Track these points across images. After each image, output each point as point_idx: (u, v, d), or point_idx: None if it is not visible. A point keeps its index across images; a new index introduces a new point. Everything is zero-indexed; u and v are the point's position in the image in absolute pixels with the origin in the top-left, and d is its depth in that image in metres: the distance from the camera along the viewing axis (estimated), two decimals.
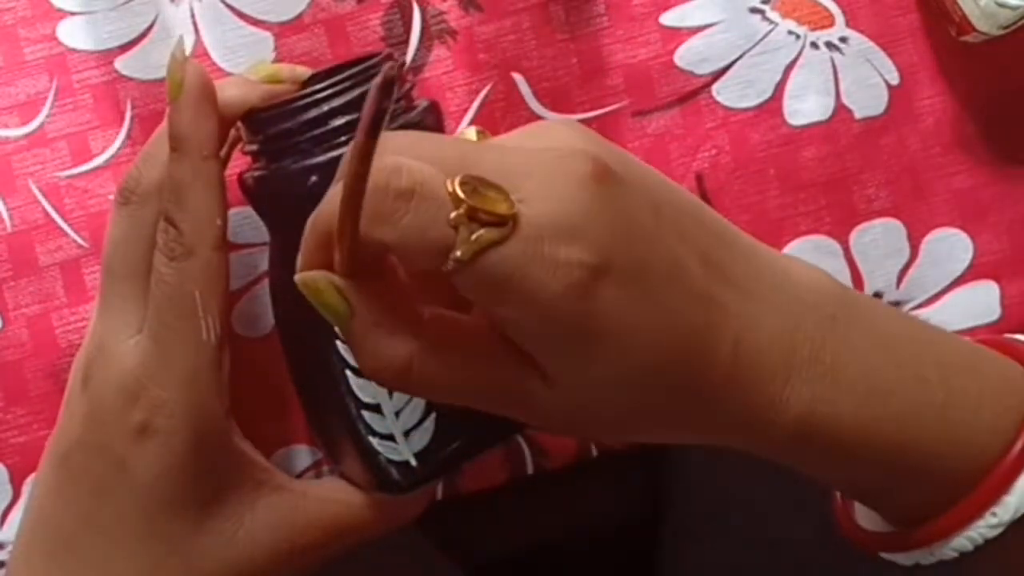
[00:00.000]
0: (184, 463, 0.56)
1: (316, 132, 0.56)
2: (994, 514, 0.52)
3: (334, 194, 0.48)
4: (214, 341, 0.56)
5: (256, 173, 0.58)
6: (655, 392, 0.50)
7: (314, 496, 0.59)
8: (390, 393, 0.57)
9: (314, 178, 0.56)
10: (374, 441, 0.57)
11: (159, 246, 0.56)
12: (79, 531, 0.57)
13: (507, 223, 0.46)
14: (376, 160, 0.46)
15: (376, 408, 0.57)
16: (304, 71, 0.59)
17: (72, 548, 0.57)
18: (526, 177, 0.48)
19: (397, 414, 0.57)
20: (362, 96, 0.55)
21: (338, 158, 0.54)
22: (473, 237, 0.46)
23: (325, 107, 0.56)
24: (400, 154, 0.48)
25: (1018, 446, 0.52)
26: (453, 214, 0.46)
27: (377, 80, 0.45)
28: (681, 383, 0.50)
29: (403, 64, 0.58)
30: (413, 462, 0.57)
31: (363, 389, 0.57)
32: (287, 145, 0.56)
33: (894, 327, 0.54)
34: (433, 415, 0.57)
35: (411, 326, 0.49)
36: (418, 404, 0.57)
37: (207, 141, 0.56)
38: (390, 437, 0.57)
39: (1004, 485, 0.52)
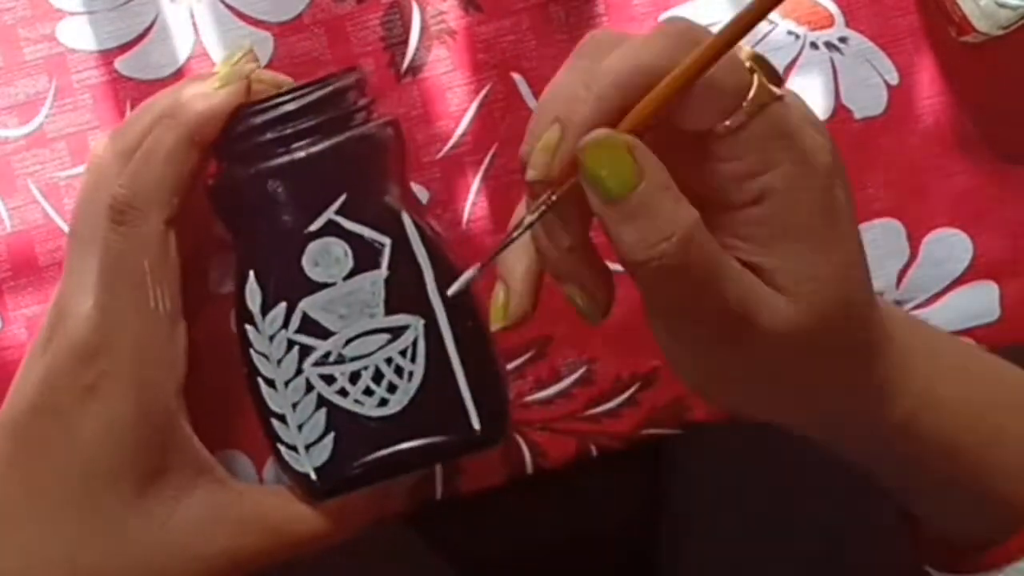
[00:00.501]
0: (126, 431, 0.56)
1: (272, 136, 0.56)
2: None
3: (653, 42, 0.48)
4: (163, 313, 0.56)
5: (217, 176, 0.58)
6: (855, 322, 0.51)
7: (252, 497, 0.59)
8: (293, 405, 0.57)
9: (271, 182, 0.56)
10: (282, 449, 0.58)
11: (109, 205, 0.57)
12: (19, 498, 0.57)
13: (781, 86, 0.49)
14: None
15: (282, 418, 0.58)
16: (285, 80, 0.60)
17: (10, 516, 0.57)
18: None
19: (300, 427, 0.58)
20: (322, 100, 0.56)
21: (295, 162, 0.56)
22: (768, 85, 0.48)
23: (281, 111, 0.56)
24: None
25: None
26: (748, 61, 0.48)
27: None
28: (868, 322, 0.52)
29: (364, 78, 0.59)
30: (313, 476, 0.58)
31: (271, 398, 0.58)
32: (247, 147, 0.57)
33: (979, 359, 0.57)
34: (332, 435, 0.58)
35: (686, 199, 0.49)
36: (318, 421, 0.58)
37: (192, 122, 0.57)
38: (294, 448, 0.58)
39: None
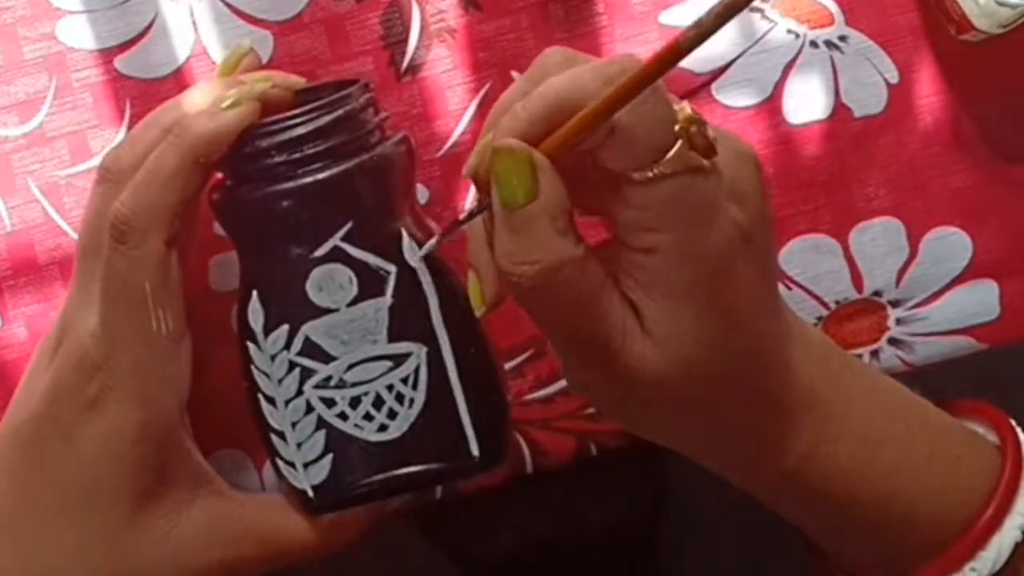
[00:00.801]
0: (127, 447, 0.56)
1: (283, 159, 0.56)
2: (973, 569, 0.55)
3: (582, 74, 0.50)
4: (165, 333, 0.56)
5: (222, 192, 0.58)
6: (722, 381, 0.52)
7: (251, 508, 0.59)
8: (293, 424, 0.58)
9: (284, 203, 0.56)
10: (280, 464, 0.58)
11: (109, 225, 0.56)
12: (17, 508, 0.57)
13: (711, 158, 0.49)
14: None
15: (281, 435, 0.58)
16: (297, 81, 0.59)
17: (8, 524, 0.57)
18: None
19: (299, 445, 0.58)
20: (333, 124, 0.55)
21: (304, 186, 0.55)
22: (688, 155, 0.49)
23: (292, 134, 0.56)
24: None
25: (994, 503, 0.55)
26: (679, 125, 0.49)
27: None
28: (746, 382, 0.53)
29: (374, 95, 0.58)
30: (310, 493, 0.58)
31: (271, 415, 0.58)
32: (256, 168, 0.56)
33: (883, 386, 0.57)
34: (330, 456, 0.58)
35: (575, 235, 0.50)
36: (317, 441, 0.58)
37: (197, 144, 0.56)
38: (292, 464, 0.58)
39: (982, 540, 0.55)
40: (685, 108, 0.50)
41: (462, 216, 0.52)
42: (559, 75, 0.50)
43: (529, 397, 0.64)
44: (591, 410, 0.63)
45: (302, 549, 0.59)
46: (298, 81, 0.59)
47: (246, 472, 0.63)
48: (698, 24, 0.46)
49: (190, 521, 0.58)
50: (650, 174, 0.49)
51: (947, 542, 0.55)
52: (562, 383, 0.63)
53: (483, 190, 0.51)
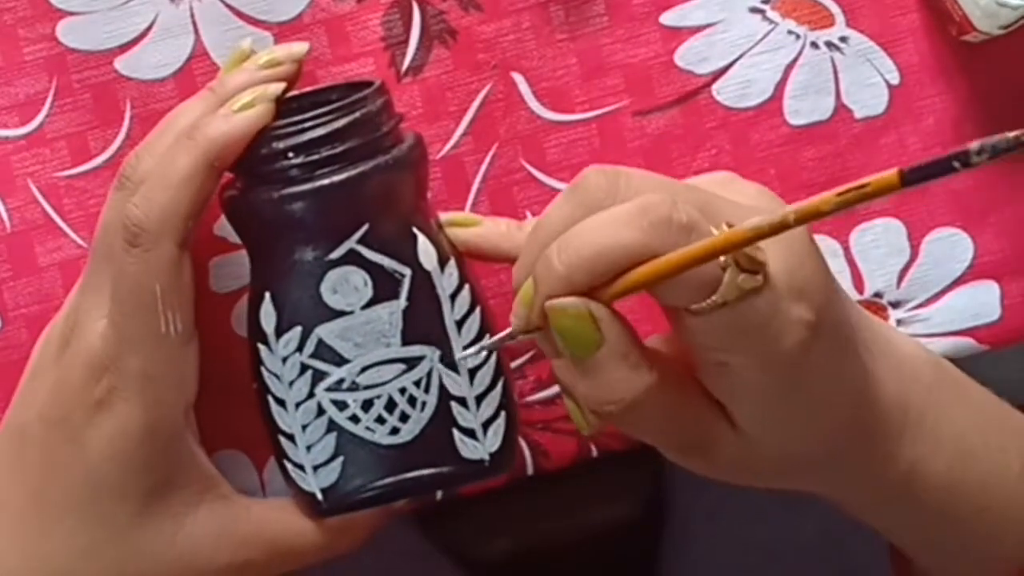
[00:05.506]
0: (133, 448, 0.56)
1: (300, 161, 0.56)
2: None
3: (619, 227, 0.49)
4: (174, 336, 0.56)
5: (235, 193, 0.57)
6: (820, 447, 0.53)
7: (257, 512, 0.59)
8: (303, 427, 0.57)
9: (299, 206, 0.56)
10: (288, 466, 0.58)
11: (121, 227, 0.56)
12: (25, 508, 0.57)
13: (760, 272, 0.48)
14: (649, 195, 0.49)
15: (290, 437, 0.58)
16: (301, 48, 0.59)
17: (14, 524, 0.57)
18: None
19: (308, 448, 0.58)
20: (350, 126, 0.55)
21: (320, 188, 0.55)
22: (739, 281, 0.48)
23: (307, 136, 0.55)
24: (642, 192, 0.49)
25: None
26: (724, 257, 0.48)
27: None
28: (843, 444, 0.53)
29: (389, 96, 0.58)
30: (319, 496, 0.58)
31: (281, 417, 0.58)
32: (271, 170, 0.56)
33: (976, 398, 0.57)
34: (340, 458, 0.57)
35: (647, 362, 0.50)
36: (328, 444, 0.57)
37: (211, 147, 0.56)
38: (301, 467, 0.58)
39: None
40: (725, 231, 0.49)
41: (515, 333, 0.52)
42: (596, 222, 0.49)
43: (530, 398, 0.64)
44: None
45: (309, 553, 0.59)
46: (300, 48, 0.59)
47: (246, 473, 0.63)
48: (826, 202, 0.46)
49: (196, 524, 0.58)
50: (705, 306, 0.48)
51: None
52: None
53: (535, 329, 0.51)
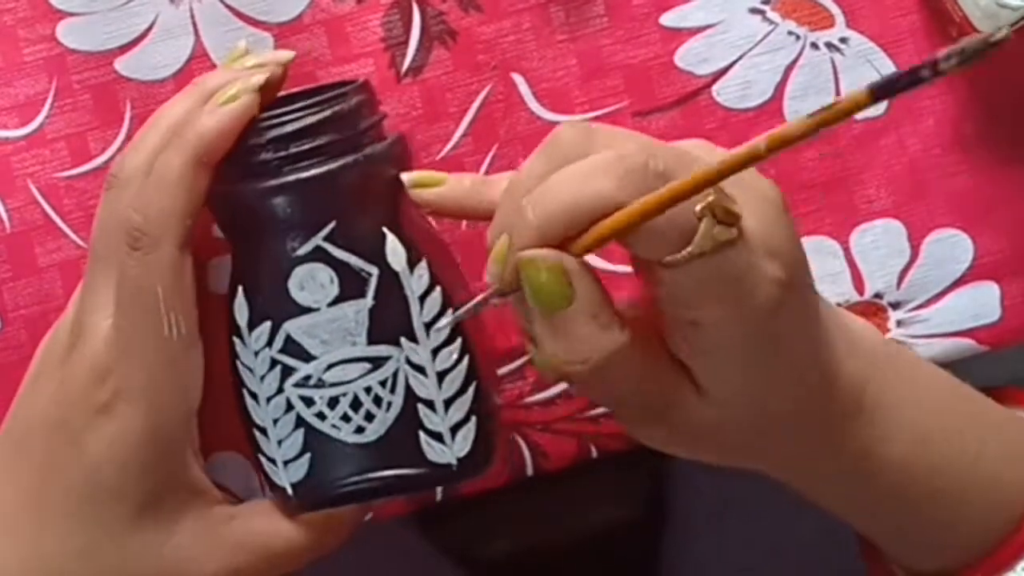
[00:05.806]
0: (133, 451, 0.56)
1: (271, 155, 0.56)
2: None
3: (594, 176, 0.48)
4: (177, 339, 0.56)
5: (215, 187, 0.57)
6: (785, 417, 0.53)
7: (244, 519, 0.59)
8: (274, 421, 0.57)
9: (269, 200, 0.56)
10: (262, 460, 0.58)
11: (124, 231, 0.56)
12: (21, 508, 0.57)
13: (736, 226, 0.48)
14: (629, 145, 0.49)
15: (263, 431, 0.58)
16: (287, 55, 0.59)
17: (11, 524, 0.57)
18: (734, 189, 0.49)
19: (279, 443, 0.58)
20: (322, 123, 0.55)
21: (289, 183, 0.55)
22: (714, 232, 0.48)
23: (284, 130, 0.56)
24: (616, 145, 0.49)
25: None
26: (699, 206, 0.48)
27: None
28: (805, 413, 0.53)
29: (372, 94, 0.58)
30: (289, 491, 0.58)
31: (254, 410, 0.58)
32: (244, 163, 0.56)
33: (934, 381, 0.57)
34: (308, 455, 0.57)
35: (619, 322, 0.50)
36: (296, 439, 0.57)
37: (199, 143, 0.56)
38: (273, 461, 0.58)
39: None
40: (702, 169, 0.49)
41: (488, 295, 0.52)
42: (571, 173, 0.49)
43: (530, 399, 0.64)
44: (591, 412, 0.63)
45: (297, 555, 0.59)
46: (286, 54, 0.59)
47: (245, 475, 0.63)
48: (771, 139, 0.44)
49: (184, 533, 0.58)
50: (680, 257, 0.48)
51: (996, 539, 0.55)
52: (563, 385, 0.63)
53: (511, 288, 0.51)
